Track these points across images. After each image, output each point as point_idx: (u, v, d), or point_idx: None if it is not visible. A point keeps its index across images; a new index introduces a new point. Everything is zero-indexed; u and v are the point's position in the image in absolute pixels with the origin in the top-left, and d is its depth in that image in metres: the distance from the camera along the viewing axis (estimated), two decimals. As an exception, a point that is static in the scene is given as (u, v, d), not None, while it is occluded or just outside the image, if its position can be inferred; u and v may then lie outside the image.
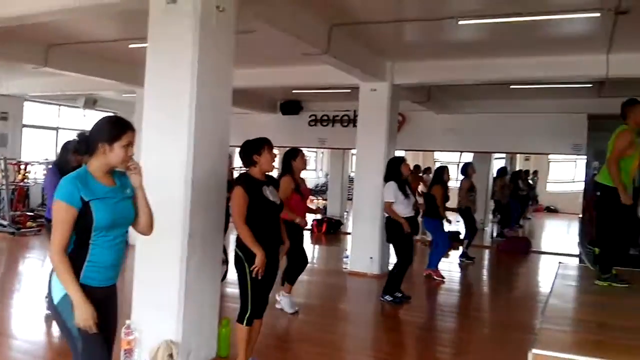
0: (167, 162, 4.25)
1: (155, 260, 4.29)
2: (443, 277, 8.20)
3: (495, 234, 13.66)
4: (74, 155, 4.68)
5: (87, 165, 2.63)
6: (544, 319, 4.07)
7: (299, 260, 6.03)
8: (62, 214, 2.49)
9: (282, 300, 6.07)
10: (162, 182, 4.17)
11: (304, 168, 5.90)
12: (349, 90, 9.49)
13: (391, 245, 6.91)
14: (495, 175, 14.52)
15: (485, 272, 10.18)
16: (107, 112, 13.45)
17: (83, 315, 2.47)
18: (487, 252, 11.76)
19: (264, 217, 3.99)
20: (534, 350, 3.27)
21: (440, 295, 7.73)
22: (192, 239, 4.21)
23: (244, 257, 3.97)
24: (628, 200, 4.69)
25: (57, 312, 2.58)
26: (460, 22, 5.92)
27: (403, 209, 6.49)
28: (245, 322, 4.06)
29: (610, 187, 4.74)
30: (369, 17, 6.17)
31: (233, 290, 5.70)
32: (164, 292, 4.25)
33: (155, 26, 4.32)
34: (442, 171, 8.41)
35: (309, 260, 6.28)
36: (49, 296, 2.61)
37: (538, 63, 7.57)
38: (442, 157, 20.61)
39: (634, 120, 4.86)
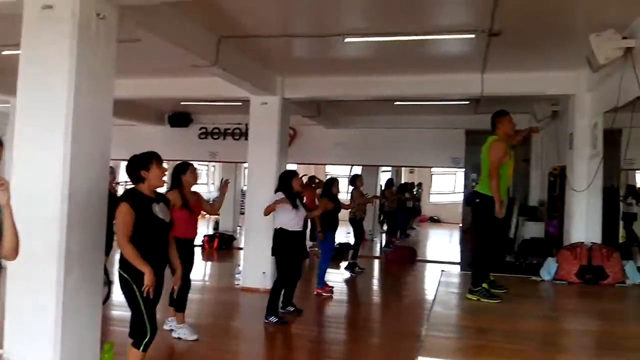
0: (41, 177, 3.95)
1: (28, 283, 3.96)
2: (331, 288, 8.26)
3: (384, 244, 14.11)
4: None
5: None
6: (429, 326, 4.23)
7: (186, 284, 5.71)
8: None
9: (178, 330, 5.69)
10: (36, 198, 3.91)
11: (195, 183, 5.71)
12: (240, 103, 9.39)
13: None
14: (383, 187, 15.07)
15: (374, 282, 10.45)
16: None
17: None
18: (376, 262, 12.11)
19: (151, 235, 3.79)
20: (420, 358, 3.37)
21: (331, 308, 7.80)
22: (69, 260, 3.92)
23: (130, 279, 3.74)
24: (500, 214, 4.98)
25: None
26: (347, 40, 6.07)
27: (290, 222, 6.44)
28: (142, 347, 3.79)
29: (489, 196, 5.01)
30: (259, 30, 6.16)
31: (119, 312, 5.40)
32: (39, 318, 3.93)
33: (29, 33, 4.03)
34: (332, 184, 8.52)
35: (201, 277, 6.05)
36: None
37: (420, 81, 7.94)
38: (333, 171, 21.03)
39: (502, 131, 5.22)
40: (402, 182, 18.76)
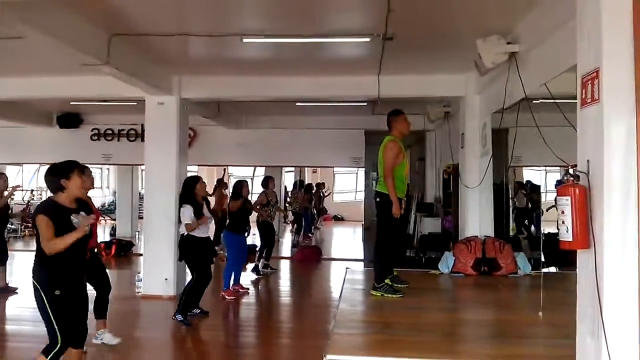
0: None
1: None
2: (247, 290, 8.21)
3: (292, 244, 14.15)
4: None
5: None
6: (336, 324, 4.28)
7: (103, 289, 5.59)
8: None
9: (102, 335, 5.56)
10: None
11: (91, 187, 5.31)
12: (135, 103, 8.99)
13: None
14: (290, 187, 15.18)
15: (281, 282, 10.41)
16: None
17: None
18: (284, 262, 12.10)
19: (73, 248, 3.69)
20: (328, 356, 3.39)
21: (240, 310, 7.70)
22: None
23: (39, 286, 3.67)
24: (397, 212, 5.13)
25: None
26: (245, 40, 5.97)
27: (198, 231, 6.43)
28: (51, 356, 3.70)
29: (387, 195, 5.15)
30: (152, 29, 5.90)
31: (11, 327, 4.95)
32: None
33: None
34: (241, 185, 8.41)
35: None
36: None
37: (320, 82, 8.00)
38: (236, 172, 20.78)
39: (397, 130, 5.40)
40: (307, 182, 18.93)
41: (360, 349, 3.82)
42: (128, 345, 5.80)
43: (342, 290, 5.60)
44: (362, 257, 11.67)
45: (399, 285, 5.40)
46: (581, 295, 2.98)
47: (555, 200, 2.92)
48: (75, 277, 3.82)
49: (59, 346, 3.70)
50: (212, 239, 7.58)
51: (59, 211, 3.72)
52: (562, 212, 2.85)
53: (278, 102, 10.01)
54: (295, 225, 14.84)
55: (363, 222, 16.19)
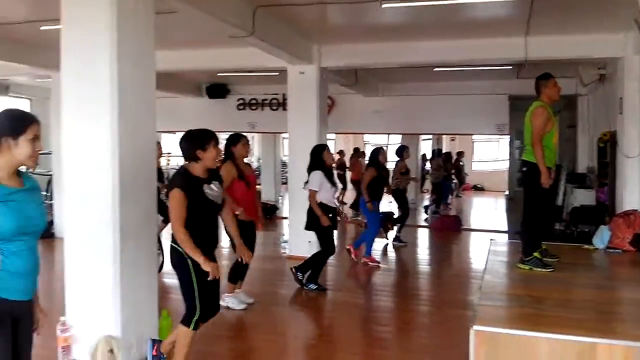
0: (91, 150, 4.03)
1: (86, 253, 4.09)
2: (378, 263, 8.22)
3: (431, 212, 13.90)
4: None
5: None
6: (482, 295, 4.13)
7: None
8: None
9: (227, 299, 5.63)
10: (87, 171, 4.01)
11: (247, 155, 5.63)
12: (277, 73, 9.31)
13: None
14: (431, 156, 14.92)
15: (420, 251, 10.32)
16: (21, 98, 12.67)
17: None
18: (420, 231, 11.98)
19: (202, 218, 3.67)
20: (475, 327, 3.29)
21: (378, 276, 7.75)
22: (124, 232, 4.01)
23: (184, 252, 3.60)
24: (547, 182, 4.77)
25: None
26: (384, 5, 5.85)
27: (327, 198, 6.46)
28: (192, 325, 3.72)
29: (536, 164, 4.80)
30: (294, -1, 6.02)
31: (171, 280, 5.47)
32: (98, 287, 4.06)
33: (69, 8, 4.03)
34: (378, 153, 8.31)
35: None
36: None
37: (460, 46, 7.70)
38: (371, 139, 20.84)
39: (546, 95, 4.92)
40: (445, 151, 18.46)
41: (509, 322, 3.65)
42: (271, 301, 6.15)
43: (486, 261, 5.39)
44: (505, 228, 11.18)
45: (549, 259, 5.08)
46: None
47: None
48: (210, 252, 3.71)
49: (197, 315, 3.69)
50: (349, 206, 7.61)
51: (192, 183, 3.64)
52: None
53: (415, 69, 9.79)
54: (435, 195, 14.50)
55: (507, 192, 15.47)
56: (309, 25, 7.29)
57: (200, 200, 3.64)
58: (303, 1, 6.04)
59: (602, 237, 6.07)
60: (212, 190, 3.74)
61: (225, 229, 4.28)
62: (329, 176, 6.50)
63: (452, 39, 7.61)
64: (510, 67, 9.52)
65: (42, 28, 6.91)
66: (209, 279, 3.55)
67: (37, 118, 2.44)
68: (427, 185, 17.13)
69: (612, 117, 7.67)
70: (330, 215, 6.49)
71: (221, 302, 5.43)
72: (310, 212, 6.50)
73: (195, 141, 3.69)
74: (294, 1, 6.09)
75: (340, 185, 6.69)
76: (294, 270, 6.62)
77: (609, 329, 3.45)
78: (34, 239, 2.43)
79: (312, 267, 6.56)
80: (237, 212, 5.12)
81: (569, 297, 4.26)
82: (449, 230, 11.58)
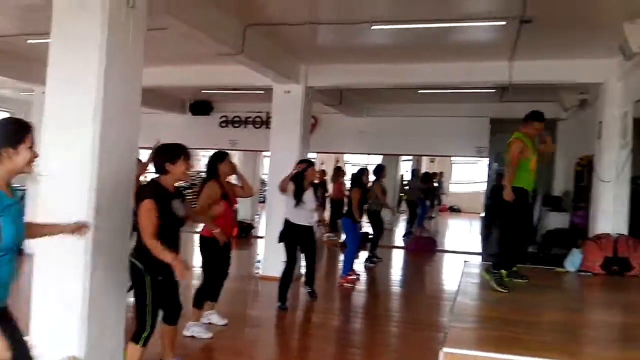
0: (70, 164, 3.96)
1: (56, 270, 3.98)
2: (358, 276, 8.28)
3: (405, 233, 14.03)
4: None
5: None
6: (453, 317, 4.19)
7: (214, 278, 5.58)
8: None
9: (192, 328, 5.40)
10: (63, 187, 3.94)
11: (231, 173, 5.54)
12: (262, 92, 9.38)
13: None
14: (410, 177, 15.12)
15: (393, 271, 10.40)
16: (3, 111, 12.52)
17: None
18: (395, 252, 12.07)
19: (166, 232, 3.67)
20: (445, 349, 3.34)
21: (351, 297, 7.79)
22: (96, 248, 3.93)
23: (143, 268, 3.66)
24: (509, 197, 4.98)
25: None
26: (373, 27, 6.01)
27: (298, 217, 6.44)
28: (141, 342, 3.72)
29: (515, 188, 5.01)
30: (284, 18, 6.13)
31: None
32: (65, 305, 3.95)
33: (59, 22, 4.03)
34: (362, 174, 8.50)
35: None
36: None
37: (446, 69, 7.84)
38: (352, 159, 20.97)
39: (525, 131, 5.26)
40: (423, 171, 18.66)
41: (479, 344, 3.71)
42: (240, 323, 6.07)
43: (459, 283, 5.48)
44: (479, 250, 11.33)
45: (519, 280, 5.24)
46: None
47: None
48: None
49: (147, 332, 3.69)
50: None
51: (162, 195, 3.67)
52: None
53: (399, 90, 9.95)
54: (409, 214, 14.69)
55: (482, 214, 15.66)
56: (298, 45, 7.38)
57: (167, 214, 3.67)
58: (294, 21, 6.15)
59: (573, 260, 6.23)
60: (178, 206, 3.78)
61: None
62: (301, 193, 6.40)
63: (438, 61, 7.75)
64: (494, 90, 9.70)
65: (28, 41, 6.89)
66: (177, 278, 3.62)
67: (31, 124, 2.48)
68: (405, 205, 17.28)
69: (591, 141, 7.80)
70: (301, 233, 6.47)
71: (185, 332, 5.31)
72: (285, 223, 6.47)
73: (165, 155, 3.76)
74: (285, 20, 6.19)
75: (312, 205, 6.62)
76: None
77: (578, 352, 3.55)
78: (18, 250, 2.46)
79: (281, 284, 6.54)
80: (214, 232, 5.14)
81: (540, 320, 4.35)
82: (424, 251, 11.70)
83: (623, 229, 6.80)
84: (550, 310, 4.68)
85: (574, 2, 5.16)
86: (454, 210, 22.74)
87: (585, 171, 8.45)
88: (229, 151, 6.04)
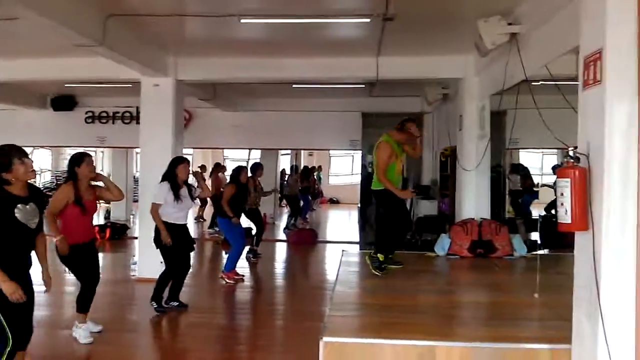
0: None
1: None
2: (242, 277, 8.15)
3: (286, 227, 14.13)
4: None
5: None
6: (332, 306, 4.28)
7: (90, 283, 5.30)
8: None
9: (78, 330, 5.22)
10: None
11: (92, 176, 5.12)
12: (130, 85, 8.91)
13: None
14: (289, 172, 15.25)
15: (277, 265, 10.42)
16: None
17: None
18: (278, 245, 12.10)
19: (12, 242, 3.41)
20: (325, 339, 3.40)
21: (235, 294, 7.66)
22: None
23: None
24: (404, 194, 5.37)
25: None
26: (243, 20, 5.90)
27: (174, 213, 6.18)
28: (5, 357, 3.46)
29: (382, 190, 5.46)
30: (149, 9, 5.81)
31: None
32: None
33: None
34: (239, 171, 8.40)
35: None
36: None
37: (317, 64, 7.94)
38: (230, 154, 20.71)
39: (391, 134, 5.61)
40: (303, 165, 18.92)
41: (357, 331, 3.83)
42: (118, 328, 5.79)
43: (338, 272, 5.61)
44: (357, 239, 11.69)
45: (394, 266, 5.53)
46: (578, 278, 2.98)
47: (555, 182, 2.91)
48: (22, 274, 3.52)
49: (10, 346, 3.45)
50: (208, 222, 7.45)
51: (4, 201, 3.38)
52: (562, 194, 2.83)
53: (275, 84, 9.95)
54: (290, 209, 14.86)
55: (359, 205, 16.21)
56: (166, 37, 7.07)
57: (10, 223, 3.38)
58: (160, 12, 5.85)
59: (442, 244, 6.63)
60: (29, 210, 3.47)
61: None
62: (177, 190, 6.17)
63: (309, 56, 7.82)
64: (363, 86, 9.99)
65: None
66: (11, 299, 3.33)
67: None
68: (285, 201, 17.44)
69: (453, 133, 8.28)
70: (179, 233, 6.23)
71: (72, 332, 5.18)
72: (156, 227, 6.18)
73: None
74: (150, 11, 5.87)
75: (197, 202, 6.43)
76: (151, 303, 6.26)
77: (449, 332, 3.76)
78: None
79: (158, 287, 6.27)
80: (55, 240, 4.82)
81: (414, 303, 4.58)
82: (306, 243, 11.87)
83: (486, 214, 7.31)
84: (424, 293, 4.96)
85: (433, 0, 5.41)
86: (334, 202, 23.31)
87: (449, 161, 8.97)
88: (97, 149, 5.66)
